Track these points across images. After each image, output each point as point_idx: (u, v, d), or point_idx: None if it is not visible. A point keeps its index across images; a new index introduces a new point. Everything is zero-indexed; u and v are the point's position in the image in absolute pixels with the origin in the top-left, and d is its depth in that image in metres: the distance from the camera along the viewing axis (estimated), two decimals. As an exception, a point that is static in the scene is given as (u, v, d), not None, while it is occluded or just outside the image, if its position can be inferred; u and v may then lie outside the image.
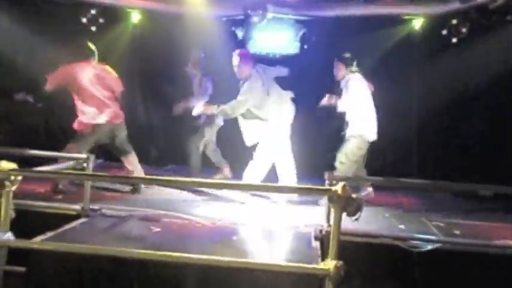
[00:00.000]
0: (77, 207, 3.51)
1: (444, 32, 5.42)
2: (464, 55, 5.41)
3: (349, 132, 4.43)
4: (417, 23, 5.63)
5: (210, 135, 5.23)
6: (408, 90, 5.84)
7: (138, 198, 4.34)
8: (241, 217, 3.84)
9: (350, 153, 4.37)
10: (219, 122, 5.19)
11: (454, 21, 5.31)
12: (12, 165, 2.30)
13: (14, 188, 2.33)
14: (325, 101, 4.51)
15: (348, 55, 4.47)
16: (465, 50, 5.40)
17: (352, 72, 4.44)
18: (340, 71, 4.47)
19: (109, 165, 5.85)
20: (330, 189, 2.05)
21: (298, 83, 5.71)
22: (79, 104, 4.29)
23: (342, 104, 4.40)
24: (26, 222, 2.59)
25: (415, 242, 3.14)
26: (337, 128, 4.67)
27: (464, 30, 5.32)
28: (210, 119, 5.08)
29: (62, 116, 5.09)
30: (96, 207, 3.64)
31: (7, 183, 2.26)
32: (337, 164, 4.36)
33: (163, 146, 6.25)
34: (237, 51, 4.45)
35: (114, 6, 5.56)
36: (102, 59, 5.92)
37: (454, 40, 5.41)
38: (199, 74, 5.14)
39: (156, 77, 6.06)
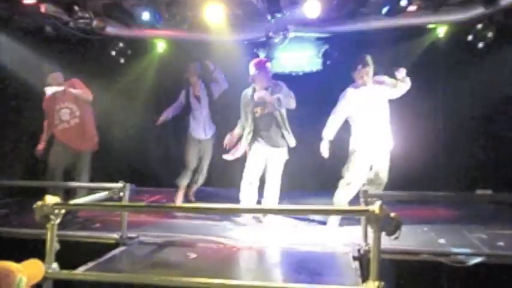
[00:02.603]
0: (115, 235, 3.60)
1: (470, 38, 5.32)
2: (492, 60, 5.29)
3: (389, 145, 4.24)
4: (441, 31, 5.55)
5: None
6: (435, 100, 5.74)
7: (172, 223, 4.40)
8: (275, 239, 3.83)
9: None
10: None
11: (479, 27, 5.21)
12: (56, 199, 2.40)
13: (58, 221, 2.43)
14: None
15: (363, 55, 4.25)
16: (493, 54, 5.28)
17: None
18: (368, 74, 4.20)
19: (141, 190, 5.99)
20: (367, 210, 2.03)
21: (323, 98, 5.73)
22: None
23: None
24: (67, 252, 2.66)
25: (459, 257, 3.03)
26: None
27: (490, 35, 5.19)
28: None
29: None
30: (133, 234, 3.72)
31: (52, 217, 2.35)
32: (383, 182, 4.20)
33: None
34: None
35: (140, 38, 5.76)
36: (132, 89, 6.18)
37: (481, 45, 5.30)
38: (199, 82, 5.19)
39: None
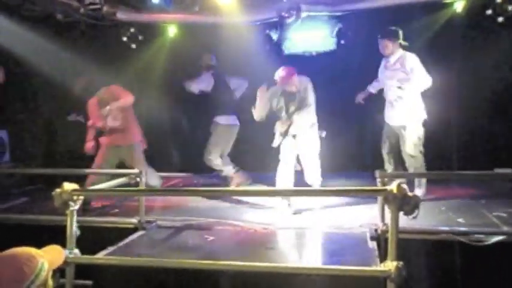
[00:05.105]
0: (134, 220, 3.65)
1: (489, 11, 5.14)
2: (512, 34, 5.12)
3: (410, 117, 4.20)
4: (459, 6, 5.35)
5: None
6: (453, 76, 5.58)
7: (189, 207, 4.44)
8: (291, 221, 3.83)
9: (419, 143, 4.18)
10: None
11: (499, 0, 5.03)
12: (74, 186, 2.43)
13: (76, 207, 2.46)
14: (360, 97, 4.67)
15: (392, 28, 4.27)
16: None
17: (403, 47, 4.25)
18: (387, 48, 4.23)
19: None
20: (385, 189, 2.00)
21: (338, 78, 5.64)
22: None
23: (404, 83, 4.19)
24: (88, 238, 2.72)
25: (478, 235, 2.99)
26: (380, 123, 4.54)
27: (510, 8, 5.02)
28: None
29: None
30: (151, 218, 3.77)
31: (71, 203, 2.39)
32: (409, 160, 4.16)
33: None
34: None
35: (151, 22, 5.73)
36: (144, 74, 6.20)
37: (500, 19, 5.12)
38: (210, 75, 5.17)
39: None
